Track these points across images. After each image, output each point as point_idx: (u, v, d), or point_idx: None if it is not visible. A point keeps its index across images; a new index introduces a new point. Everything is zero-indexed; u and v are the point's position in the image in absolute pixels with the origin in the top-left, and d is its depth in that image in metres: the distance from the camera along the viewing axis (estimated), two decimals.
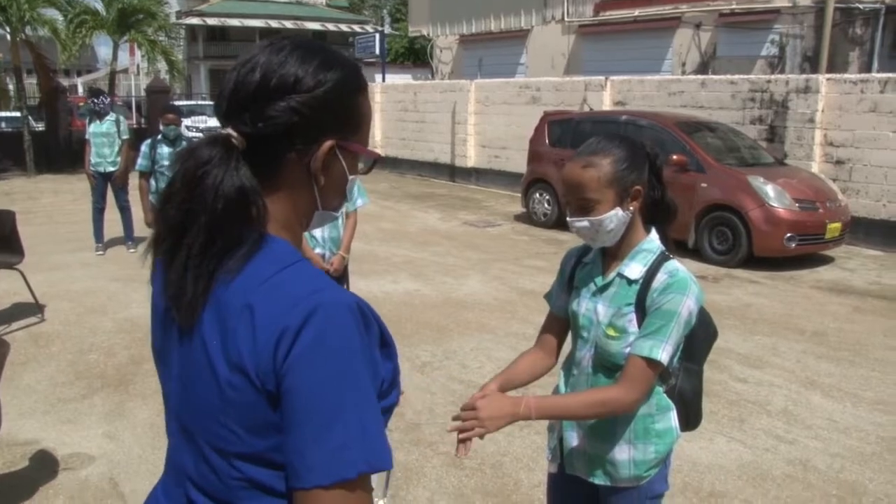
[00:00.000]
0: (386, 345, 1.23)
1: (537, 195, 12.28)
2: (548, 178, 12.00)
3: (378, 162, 1.38)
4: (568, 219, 2.22)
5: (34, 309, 6.99)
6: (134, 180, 8.59)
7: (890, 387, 5.56)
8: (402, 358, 4.97)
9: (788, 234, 9.14)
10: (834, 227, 9.47)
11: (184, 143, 7.56)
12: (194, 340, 1.19)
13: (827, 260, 9.90)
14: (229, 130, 1.22)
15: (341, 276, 5.18)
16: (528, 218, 12.54)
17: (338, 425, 1.10)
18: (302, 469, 1.10)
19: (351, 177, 1.33)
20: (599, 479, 2.27)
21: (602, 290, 2.22)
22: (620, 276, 2.18)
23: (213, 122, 24.46)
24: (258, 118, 1.20)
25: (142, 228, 9.18)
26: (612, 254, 2.23)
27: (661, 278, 2.11)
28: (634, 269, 2.17)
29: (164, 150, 7.87)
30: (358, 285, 8.32)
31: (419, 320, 7.08)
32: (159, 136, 7.95)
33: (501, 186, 16.34)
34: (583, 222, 2.16)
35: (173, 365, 1.27)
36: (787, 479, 4.17)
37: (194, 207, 1.17)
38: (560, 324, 2.41)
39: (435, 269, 9.18)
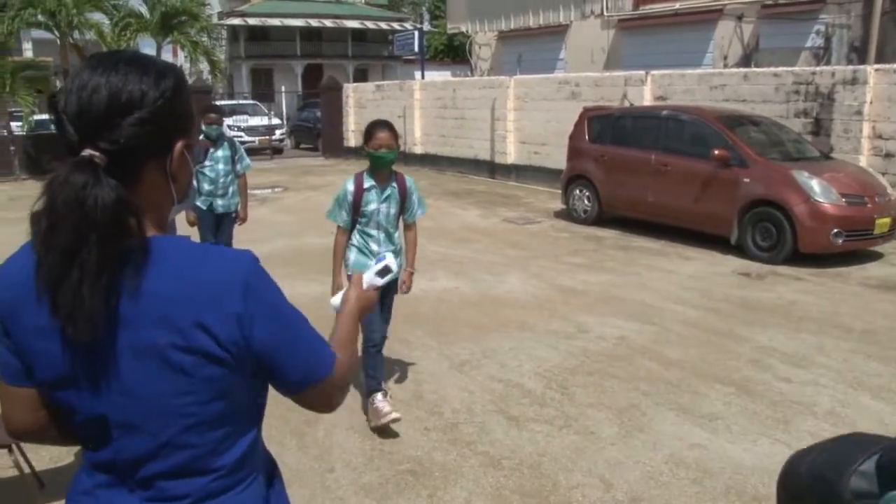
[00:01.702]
0: None
1: (577, 192, 12.16)
2: (588, 174, 11.88)
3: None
4: None
5: None
6: None
7: None
8: (440, 356, 4.92)
9: (835, 230, 8.93)
10: (883, 223, 9.23)
11: (225, 143, 7.46)
12: (125, 352, 1.34)
13: (876, 256, 9.66)
14: (91, 152, 1.30)
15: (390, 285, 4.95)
16: (567, 215, 12.43)
17: (305, 343, 1.47)
18: (302, 379, 1.47)
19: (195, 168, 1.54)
20: None
21: None
22: None
23: (255, 121, 24.74)
24: (119, 136, 1.31)
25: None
26: None
27: None
28: None
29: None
30: None
31: (457, 318, 7.05)
32: (201, 136, 7.70)
33: (541, 183, 16.23)
34: None
35: (98, 385, 1.37)
36: None
37: (83, 230, 1.26)
38: None
39: (474, 266, 9.14)
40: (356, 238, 4.82)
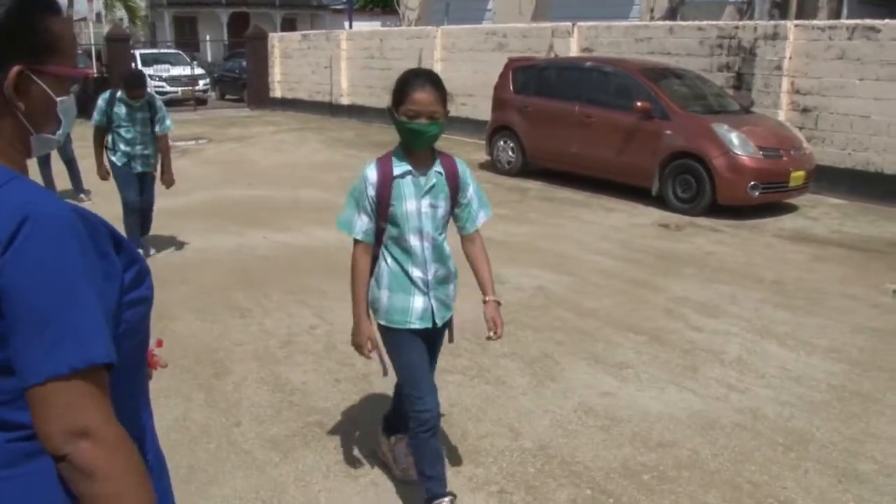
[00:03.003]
0: (121, 247, 1.31)
1: (501, 143, 12.10)
2: (512, 125, 11.82)
3: (87, 78, 1.39)
4: None
5: None
6: (83, 130, 8.18)
7: (844, 335, 5.54)
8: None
9: (752, 183, 9.08)
10: (798, 176, 9.43)
11: (144, 102, 6.97)
12: None
13: (791, 208, 9.88)
14: None
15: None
16: (492, 166, 12.37)
17: (49, 327, 1.16)
18: (22, 369, 1.17)
19: (60, 98, 1.35)
20: None
21: None
22: None
23: (176, 71, 23.97)
24: None
25: (90, 180, 8.90)
26: None
27: None
28: None
29: (122, 110, 6.93)
30: (316, 234, 8.19)
31: None
32: (119, 94, 6.96)
33: (468, 134, 16.08)
34: None
35: None
36: (736, 427, 4.14)
37: None
38: None
39: None
40: (387, 259, 3.11)
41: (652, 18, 17.64)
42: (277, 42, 23.19)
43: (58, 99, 1.34)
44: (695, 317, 5.88)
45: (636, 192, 10.09)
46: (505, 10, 21.92)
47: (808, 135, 10.70)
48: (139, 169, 7.11)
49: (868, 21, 10.57)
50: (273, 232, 8.31)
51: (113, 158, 7.06)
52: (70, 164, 9.89)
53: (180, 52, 27.87)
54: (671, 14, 17.56)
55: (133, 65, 22.23)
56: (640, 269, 7.12)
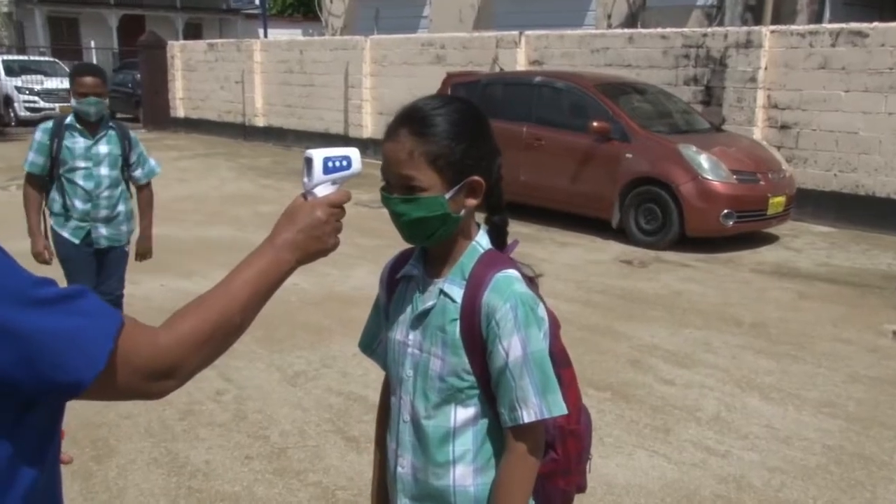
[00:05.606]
0: None
1: None
2: None
3: None
4: None
5: None
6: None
7: (837, 385, 5.59)
8: (270, 367, 4.67)
9: (725, 211, 9.20)
10: (777, 202, 9.59)
11: (112, 133, 5.17)
12: None
13: (770, 239, 10.04)
14: None
15: None
16: None
17: (52, 340, 1.19)
18: (76, 375, 1.21)
19: None
20: None
21: None
22: None
23: (53, 83, 23.40)
24: None
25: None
26: None
27: None
28: None
29: (78, 142, 5.06)
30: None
31: (295, 321, 6.83)
32: (68, 120, 5.10)
33: None
34: None
35: None
36: (718, 500, 4.10)
37: None
38: None
39: (318, 259, 8.91)
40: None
41: (609, 26, 17.96)
42: (179, 52, 23.02)
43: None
44: (665, 367, 5.87)
45: (594, 225, 10.16)
46: (443, 19, 22.12)
47: (787, 155, 10.92)
48: (103, 243, 5.27)
49: (854, 25, 10.85)
50: (174, 278, 8.12)
51: (62, 232, 5.18)
52: None
53: (57, 60, 27.20)
54: (631, 21, 17.89)
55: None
56: (600, 313, 7.12)
